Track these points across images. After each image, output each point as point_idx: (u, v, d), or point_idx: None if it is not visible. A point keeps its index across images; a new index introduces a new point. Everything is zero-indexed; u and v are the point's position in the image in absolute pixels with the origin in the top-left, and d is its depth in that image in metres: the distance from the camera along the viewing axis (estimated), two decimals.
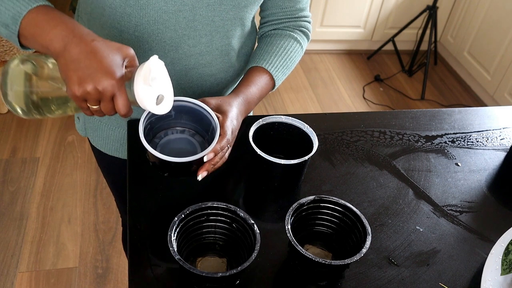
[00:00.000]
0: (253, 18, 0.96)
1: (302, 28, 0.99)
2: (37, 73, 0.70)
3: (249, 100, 0.87)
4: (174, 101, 0.75)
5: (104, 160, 1.09)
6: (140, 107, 0.68)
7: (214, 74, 0.93)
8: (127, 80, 0.66)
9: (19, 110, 0.71)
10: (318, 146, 0.81)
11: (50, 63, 0.71)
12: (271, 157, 0.78)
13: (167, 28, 0.82)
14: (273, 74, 0.91)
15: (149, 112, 0.73)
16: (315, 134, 0.83)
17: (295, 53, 0.96)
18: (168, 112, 0.74)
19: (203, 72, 0.90)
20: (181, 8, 0.81)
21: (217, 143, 0.73)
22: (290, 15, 0.97)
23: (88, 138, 1.08)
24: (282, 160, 0.77)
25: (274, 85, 0.93)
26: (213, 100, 0.79)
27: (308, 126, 0.84)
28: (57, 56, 0.66)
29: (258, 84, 0.90)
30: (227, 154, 0.77)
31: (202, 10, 0.82)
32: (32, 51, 0.73)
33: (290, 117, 0.86)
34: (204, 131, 0.80)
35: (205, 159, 0.72)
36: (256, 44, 1.02)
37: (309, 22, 1.00)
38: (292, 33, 0.97)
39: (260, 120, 0.84)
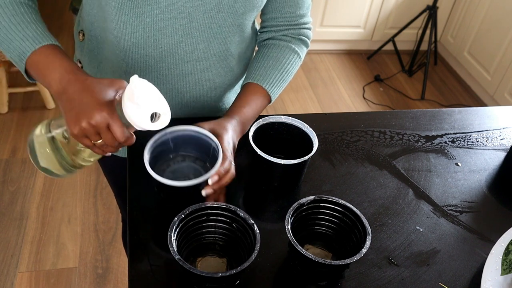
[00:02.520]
0: (254, 22, 0.95)
1: (301, 37, 0.97)
2: (60, 136, 0.74)
3: (244, 121, 0.87)
4: (170, 132, 0.77)
5: (104, 160, 1.09)
6: (138, 129, 0.69)
7: (212, 79, 0.92)
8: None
9: (58, 173, 0.77)
10: (318, 146, 0.81)
11: (50, 130, 0.75)
12: (271, 157, 0.78)
13: (163, 34, 0.82)
14: (269, 90, 0.91)
15: (151, 144, 0.76)
16: (315, 134, 0.83)
17: (293, 66, 0.95)
18: (167, 144, 0.78)
19: (200, 77, 0.90)
20: (177, 16, 0.80)
21: (220, 165, 0.74)
22: (290, 21, 0.94)
23: None
24: (282, 160, 0.77)
25: (270, 101, 0.93)
26: (207, 125, 0.80)
27: (308, 126, 0.84)
28: (57, 98, 0.71)
29: (253, 104, 0.89)
30: (233, 170, 0.77)
31: (199, 17, 0.82)
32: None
33: (290, 117, 0.86)
34: (205, 155, 0.81)
35: (209, 182, 0.73)
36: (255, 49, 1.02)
37: (310, 29, 0.98)
38: (290, 44, 0.95)
39: (260, 120, 0.84)
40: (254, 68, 0.93)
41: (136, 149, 0.88)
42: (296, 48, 0.95)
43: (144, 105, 0.68)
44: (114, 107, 0.68)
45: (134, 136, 0.71)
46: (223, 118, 0.85)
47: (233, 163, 0.78)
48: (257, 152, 0.78)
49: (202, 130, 0.77)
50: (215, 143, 0.76)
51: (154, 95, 0.71)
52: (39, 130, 0.75)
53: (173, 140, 0.78)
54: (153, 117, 0.71)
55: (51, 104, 2.43)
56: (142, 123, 0.68)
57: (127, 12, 0.79)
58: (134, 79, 0.67)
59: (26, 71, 0.77)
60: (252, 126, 0.82)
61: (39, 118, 2.39)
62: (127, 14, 0.80)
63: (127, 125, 0.69)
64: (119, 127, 0.67)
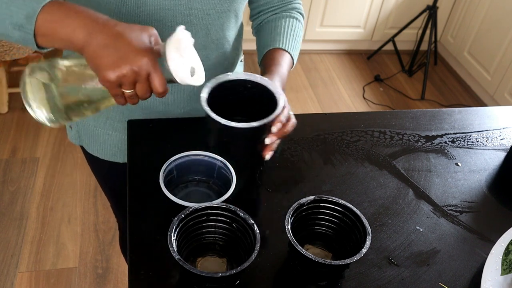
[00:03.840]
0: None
1: (296, 10, 1.01)
2: (54, 79, 0.68)
3: (283, 78, 0.89)
4: (173, 160, 0.77)
5: (100, 167, 1.08)
6: (176, 83, 0.66)
7: (210, 69, 0.93)
8: (158, 57, 0.65)
9: (46, 120, 0.69)
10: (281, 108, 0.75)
11: (63, 66, 0.69)
12: (226, 121, 0.71)
13: (163, 24, 0.83)
14: (291, 52, 0.94)
15: (163, 170, 0.75)
16: (280, 92, 0.77)
17: (300, 31, 0.99)
18: (171, 173, 0.77)
19: None
20: (177, 4, 0.81)
21: (280, 113, 0.74)
22: (283, 1, 0.99)
23: (82, 147, 1.07)
24: (238, 124, 0.71)
25: (293, 63, 0.96)
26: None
27: (272, 84, 0.79)
28: (83, 46, 0.63)
29: (284, 63, 0.92)
30: (294, 119, 0.79)
31: (197, 3, 0.83)
32: (47, 50, 0.70)
33: (249, 74, 0.80)
34: (208, 177, 0.82)
35: (273, 130, 0.73)
36: (249, 32, 1.04)
37: (300, 3, 1.03)
38: (290, 14, 0.99)
39: (214, 79, 0.78)
40: (268, 38, 0.96)
41: (136, 150, 0.88)
42: (297, 17, 1.00)
43: (188, 57, 0.65)
44: (155, 55, 0.64)
45: (168, 89, 0.68)
46: (266, 76, 0.85)
47: (291, 112, 0.78)
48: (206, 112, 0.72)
49: (204, 152, 0.79)
50: (220, 161, 0.78)
51: (194, 51, 0.69)
52: (29, 72, 0.67)
53: (176, 168, 0.79)
54: (191, 72, 0.68)
55: None
56: (184, 76, 0.65)
57: (128, 2, 0.79)
58: (182, 28, 0.65)
59: (35, 37, 0.66)
60: (205, 86, 0.76)
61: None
62: (128, 4, 0.80)
63: (165, 77, 0.66)
64: (161, 77, 0.64)
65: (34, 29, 0.65)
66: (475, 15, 2.90)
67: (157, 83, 0.64)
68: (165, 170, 0.76)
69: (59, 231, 1.90)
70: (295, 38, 0.97)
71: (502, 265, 0.72)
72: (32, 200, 2.00)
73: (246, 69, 1.04)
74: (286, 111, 0.77)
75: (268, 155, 0.77)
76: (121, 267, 1.80)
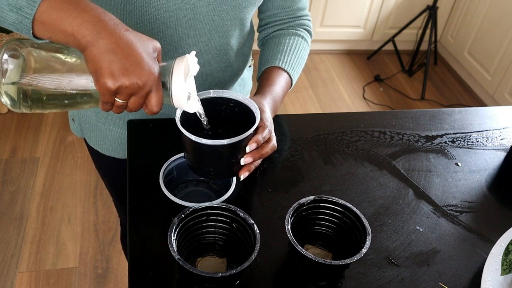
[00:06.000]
0: (251, 18, 0.97)
1: (304, 27, 1.00)
2: (27, 62, 0.61)
3: (276, 99, 0.87)
4: (173, 160, 0.77)
5: (101, 161, 1.09)
6: (169, 104, 0.65)
7: (212, 74, 0.93)
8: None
9: (7, 100, 0.62)
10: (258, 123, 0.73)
11: (35, 52, 0.62)
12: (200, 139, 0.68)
13: (167, 27, 0.82)
14: (290, 72, 0.92)
15: (162, 171, 0.74)
16: (256, 106, 0.74)
17: (304, 50, 0.97)
18: (171, 173, 0.76)
19: (201, 71, 0.90)
20: (182, 7, 0.81)
21: (258, 133, 0.72)
22: (292, 14, 0.98)
23: (84, 139, 1.08)
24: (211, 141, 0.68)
25: (291, 84, 0.94)
26: None
27: (246, 98, 0.76)
28: (87, 45, 0.58)
29: (280, 83, 0.90)
30: (275, 142, 0.76)
31: (203, 9, 0.82)
32: (44, 41, 0.63)
33: (222, 91, 0.76)
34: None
35: (247, 150, 0.71)
36: (254, 44, 1.02)
37: (309, 20, 1.01)
38: (296, 31, 0.97)
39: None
40: (269, 54, 0.94)
41: (135, 149, 0.88)
42: (303, 35, 0.98)
43: (189, 84, 0.65)
44: (160, 74, 0.61)
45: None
46: (257, 96, 0.84)
47: (273, 134, 0.76)
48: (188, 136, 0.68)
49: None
50: None
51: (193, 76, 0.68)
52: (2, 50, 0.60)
53: (176, 168, 0.79)
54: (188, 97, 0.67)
55: None
56: (182, 102, 0.64)
57: (134, 1, 0.78)
58: (193, 55, 0.63)
59: (32, 24, 0.60)
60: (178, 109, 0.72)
61: (39, 118, 2.39)
62: (133, 3, 0.79)
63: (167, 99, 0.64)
64: (160, 98, 0.61)
65: (34, 15, 0.58)
66: (475, 15, 2.90)
67: (155, 102, 0.62)
68: (165, 170, 0.76)
69: (59, 231, 1.90)
70: (297, 57, 0.94)
71: (502, 265, 0.72)
72: (32, 200, 2.00)
73: (256, 74, 1.03)
74: (265, 132, 0.74)
75: (243, 176, 0.74)
76: (121, 267, 1.80)
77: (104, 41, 0.57)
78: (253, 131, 0.71)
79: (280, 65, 0.91)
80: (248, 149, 0.71)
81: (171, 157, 0.78)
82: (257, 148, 0.73)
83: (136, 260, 0.71)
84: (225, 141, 0.67)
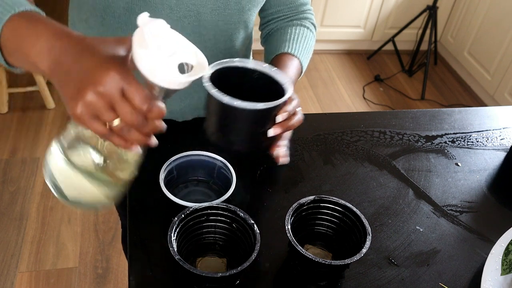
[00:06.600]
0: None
1: (308, 20, 1.00)
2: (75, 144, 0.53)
3: (292, 79, 0.86)
4: (173, 160, 0.76)
5: None
6: (172, 91, 0.51)
7: None
8: (134, 69, 0.51)
9: (96, 200, 0.55)
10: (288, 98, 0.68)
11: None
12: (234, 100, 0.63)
13: None
14: (299, 57, 0.91)
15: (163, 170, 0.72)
16: (286, 79, 0.71)
17: (311, 40, 0.96)
18: (171, 173, 0.73)
19: None
20: (186, 14, 0.80)
21: (287, 104, 0.70)
22: (294, 10, 0.98)
23: None
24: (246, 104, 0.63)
25: (301, 70, 0.93)
26: None
27: (277, 71, 0.72)
28: (49, 75, 0.51)
29: (292, 67, 0.88)
30: (301, 115, 0.75)
31: (207, 15, 0.82)
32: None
33: (256, 62, 0.72)
34: (208, 177, 0.82)
35: (278, 119, 0.68)
36: (253, 44, 1.02)
37: (312, 14, 1.01)
38: (301, 23, 0.98)
39: (217, 63, 0.70)
40: (277, 43, 0.93)
41: None
42: (308, 26, 0.98)
43: (165, 49, 0.49)
44: (126, 65, 0.50)
45: (163, 106, 0.52)
46: None
47: (300, 107, 0.74)
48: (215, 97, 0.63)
49: (204, 152, 0.78)
50: (220, 161, 0.78)
51: (177, 39, 0.52)
52: (54, 151, 0.53)
53: (176, 168, 0.79)
54: (184, 69, 0.53)
55: (51, 104, 2.42)
56: (167, 74, 0.49)
57: (138, 12, 0.77)
58: (143, 17, 0.50)
59: (1, 51, 0.55)
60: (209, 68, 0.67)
61: (39, 118, 2.39)
62: (137, 14, 0.79)
63: (153, 89, 0.50)
64: (137, 88, 0.48)
65: (0, 41, 0.53)
66: (475, 15, 2.90)
67: (136, 97, 0.49)
68: (165, 170, 0.76)
69: (59, 231, 1.90)
70: (305, 45, 0.93)
71: (502, 265, 0.72)
72: (32, 200, 2.00)
73: None
74: (294, 102, 0.72)
75: (282, 159, 0.75)
76: (121, 267, 1.80)
77: (61, 66, 0.50)
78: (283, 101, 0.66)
79: (289, 51, 0.90)
80: (280, 118, 0.68)
81: (171, 157, 0.78)
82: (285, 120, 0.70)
83: (136, 260, 0.71)
84: (260, 105, 0.62)
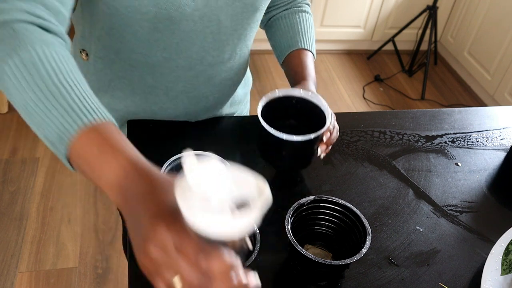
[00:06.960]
0: None
1: (305, 4, 1.03)
2: None
3: (314, 80, 0.92)
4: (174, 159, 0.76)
5: None
6: (236, 243, 0.45)
7: (232, 78, 0.94)
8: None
9: None
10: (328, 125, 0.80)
11: None
12: (276, 132, 0.75)
13: (194, 44, 0.82)
14: (312, 50, 0.97)
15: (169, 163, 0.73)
16: (329, 111, 0.81)
17: (313, 25, 1.02)
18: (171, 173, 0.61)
19: (224, 77, 0.91)
20: (208, 24, 0.80)
21: (327, 121, 0.79)
22: None
23: None
24: (284, 135, 0.75)
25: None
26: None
27: (325, 103, 0.82)
28: (117, 202, 0.48)
29: (311, 64, 0.95)
30: (337, 125, 0.85)
31: (227, 22, 0.82)
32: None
33: (303, 91, 0.84)
34: None
35: (324, 139, 0.79)
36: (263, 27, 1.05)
37: (308, 4, 1.05)
38: (301, 8, 1.01)
39: (270, 94, 0.83)
40: (288, 37, 0.98)
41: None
42: (305, 9, 1.02)
43: (213, 191, 0.43)
44: (179, 215, 0.43)
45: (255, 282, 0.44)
46: (303, 83, 0.89)
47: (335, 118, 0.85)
48: (264, 128, 0.76)
49: (204, 152, 0.78)
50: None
51: (233, 175, 0.47)
52: None
53: (176, 168, 0.79)
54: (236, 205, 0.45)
55: None
56: (219, 226, 0.41)
57: (162, 29, 0.77)
58: (186, 158, 0.43)
59: (67, 157, 0.51)
60: (261, 100, 0.81)
61: None
62: (161, 31, 0.78)
63: (207, 240, 0.42)
64: (190, 243, 0.42)
65: (67, 154, 0.51)
66: (475, 15, 2.90)
67: (189, 251, 0.42)
68: (165, 170, 0.76)
69: (59, 231, 1.90)
70: (312, 34, 0.99)
71: (502, 265, 0.72)
72: (32, 200, 2.00)
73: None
74: (332, 120, 0.81)
75: (323, 153, 0.82)
76: (121, 267, 1.80)
77: (128, 202, 0.47)
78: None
79: (304, 46, 0.96)
80: (325, 139, 0.80)
81: (171, 157, 0.78)
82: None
83: (136, 260, 0.71)
84: (311, 136, 0.75)
